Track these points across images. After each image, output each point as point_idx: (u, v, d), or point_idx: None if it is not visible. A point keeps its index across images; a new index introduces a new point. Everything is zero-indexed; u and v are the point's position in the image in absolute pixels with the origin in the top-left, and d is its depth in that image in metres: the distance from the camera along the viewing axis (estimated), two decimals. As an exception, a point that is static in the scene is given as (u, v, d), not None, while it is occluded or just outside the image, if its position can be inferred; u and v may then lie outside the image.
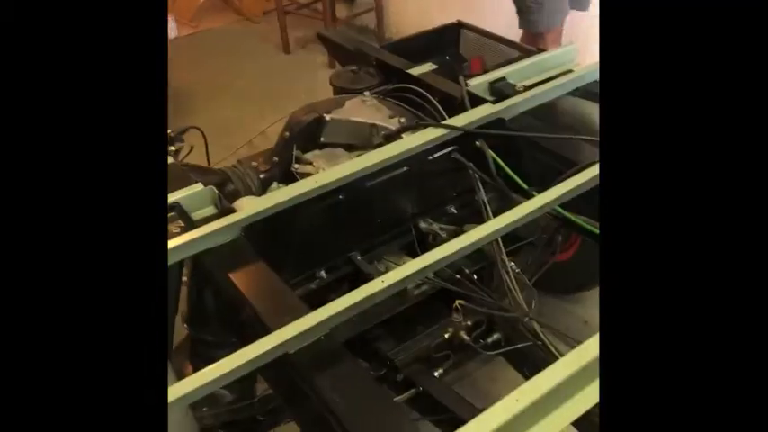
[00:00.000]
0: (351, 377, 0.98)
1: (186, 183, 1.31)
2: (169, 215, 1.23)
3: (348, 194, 1.35)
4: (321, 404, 0.94)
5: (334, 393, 0.94)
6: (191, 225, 1.20)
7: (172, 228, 1.19)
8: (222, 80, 3.89)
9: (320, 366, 0.97)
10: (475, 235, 1.15)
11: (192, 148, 1.67)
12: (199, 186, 1.28)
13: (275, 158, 1.62)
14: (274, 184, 1.62)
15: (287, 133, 1.61)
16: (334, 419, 0.92)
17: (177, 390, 0.89)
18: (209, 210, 1.28)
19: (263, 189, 1.61)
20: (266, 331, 0.99)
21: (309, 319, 0.98)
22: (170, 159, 1.46)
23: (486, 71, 1.91)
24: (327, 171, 1.32)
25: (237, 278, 1.11)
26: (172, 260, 1.15)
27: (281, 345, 0.95)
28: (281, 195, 1.24)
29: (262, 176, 1.62)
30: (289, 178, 1.58)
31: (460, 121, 1.45)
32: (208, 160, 1.75)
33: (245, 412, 1.39)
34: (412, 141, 1.40)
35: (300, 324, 0.97)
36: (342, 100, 1.65)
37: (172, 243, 1.13)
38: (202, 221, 1.23)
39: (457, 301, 1.35)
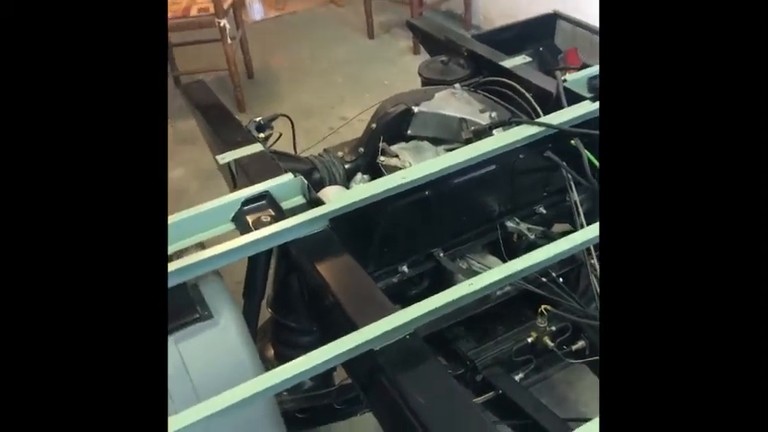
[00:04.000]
0: (433, 377, 0.96)
1: (276, 172, 1.33)
2: (260, 203, 1.25)
3: (434, 191, 1.33)
4: (402, 401, 0.94)
5: (416, 392, 0.93)
6: (280, 214, 1.22)
7: (262, 216, 1.21)
8: (306, 63, 3.94)
9: (404, 364, 0.96)
10: (567, 243, 1.10)
11: (280, 134, 1.70)
12: (289, 176, 1.29)
13: (361, 149, 1.62)
14: (359, 175, 1.62)
15: (374, 125, 1.60)
16: (414, 417, 0.91)
17: (264, 381, 0.90)
18: (298, 199, 1.29)
19: (347, 179, 1.62)
20: (351, 326, 0.99)
21: (396, 318, 0.97)
22: (259, 147, 1.48)
23: (582, 64, 1.83)
24: (415, 167, 1.30)
25: (324, 269, 1.11)
26: (261, 249, 1.17)
27: (367, 342, 0.95)
28: (367, 189, 1.23)
29: (347, 166, 1.62)
30: (374, 169, 1.57)
31: (556, 118, 1.40)
32: (294, 148, 1.77)
33: (323, 400, 1.41)
34: (503, 139, 1.36)
35: (387, 323, 0.96)
36: (431, 92, 1.62)
37: (262, 232, 1.15)
38: (291, 211, 1.24)
39: (543, 306, 1.30)
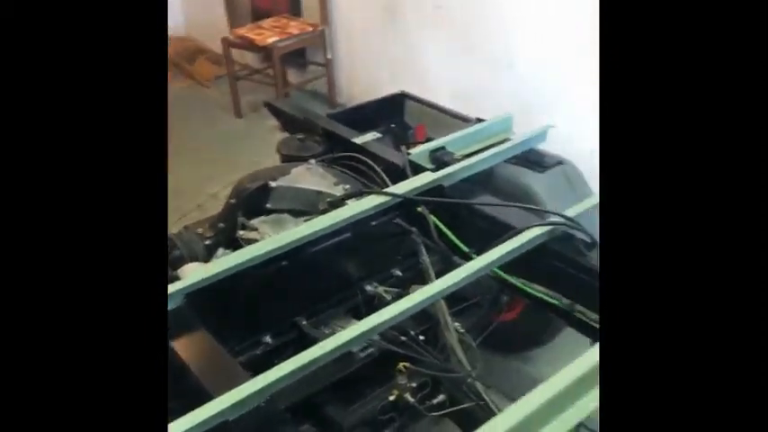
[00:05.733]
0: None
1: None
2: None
3: (293, 260, 1.38)
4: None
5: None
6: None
7: (114, 297, 1.19)
8: (175, 143, 3.90)
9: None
10: (416, 297, 1.19)
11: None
12: (143, 255, 1.29)
13: (221, 225, 1.65)
14: (220, 251, 1.63)
15: (232, 200, 1.64)
16: None
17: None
18: (154, 277, 1.29)
19: (208, 255, 1.63)
20: (208, 398, 0.99)
21: (249, 386, 0.99)
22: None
23: (428, 139, 2.01)
24: (272, 238, 1.35)
25: (179, 346, 1.11)
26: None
27: (220, 412, 0.95)
28: (224, 263, 1.26)
29: (207, 242, 1.64)
30: (234, 244, 1.60)
31: (402, 188, 1.52)
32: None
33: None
34: (356, 208, 1.45)
35: (240, 391, 0.98)
36: (288, 167, 1.70)
37: (113, 312, 1.13)
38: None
39: (401, 364, 1.37)
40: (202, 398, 1.02)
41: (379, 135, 1.90)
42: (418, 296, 1.23)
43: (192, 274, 1.24)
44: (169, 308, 1.19)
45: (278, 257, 1.34)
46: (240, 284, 1.31)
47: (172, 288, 1.19)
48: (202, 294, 1.23)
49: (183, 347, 1.11)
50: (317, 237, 1.39)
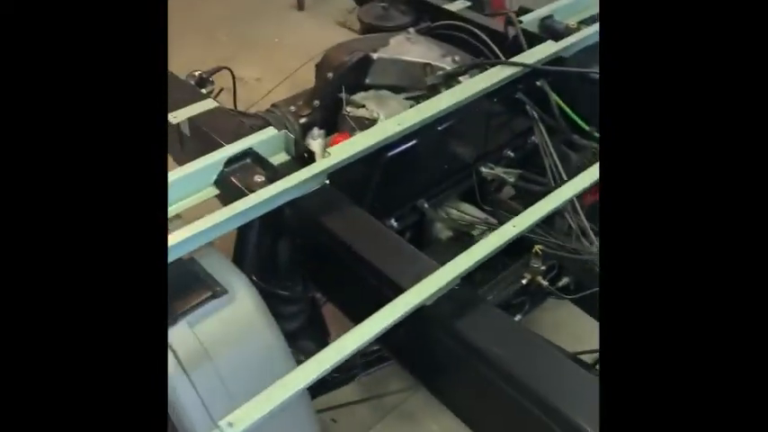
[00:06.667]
0: (496, 320, 0.94)
1: (243, 128, 1.20)
2: (244, 163, 1.11)
3: (421, 138, 1.27)
4: (468, 350, 0.90)
5: (486, 340, 0.89)
6: (273, 173, 1.09)
7: (255, 176, 1.07)
8: (180, 17, 3.59)
9: (461, 314, 0.92)
10: (564, 193, 1.10)
11: (221, 89, 1.52)
12: (271, 131, 1.16)
13: (316, 102, 1.50)
14: (315, 130, 1.49)
15: (329, 74, 1.48)
16: (494, 368, 0.88)
17: (319, 364, 0.80)
18: (281, 156, 1.17)
19: (303, 134, 1.50)
20: (393, 286, 0.91)
21: (445, 274, 0.91)
22: (213, 103, 1.32)
23: (520, 8, 1.83)
24: (408, 112, 1.22)
25: (343, 230, 1.02)
26: (262, 212, 1.03)
27: (421, 302, 0.88)
28: (366, 139, 1.14)
29: (302, 121, 1.50)
30: (331, 123, 1.47)
31: (526, 58, 1.38)
32: (234, 104, 1.61)
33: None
34: (479, 82, 1.32)
35: (437, 280, 0.90)
36: (384, 38, 1.53)
37: (263, 194, 1.01)
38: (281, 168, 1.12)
39: (536, 247, 1.30)
40: (382, 285, 0.94)
41: (468, 3, 1.72)
42: (565, 192, 1.13)
43: (335, 151, 1.11)
44: (313, 188, 1.08)
45: (410, 135, 1.22)
46: (373, 163, 1.20)
47: (318, 167, 1.07)
48: (341, 175, 1.12)
49: (348, 232, 1.02)
50: (448, 113, 1.26)
